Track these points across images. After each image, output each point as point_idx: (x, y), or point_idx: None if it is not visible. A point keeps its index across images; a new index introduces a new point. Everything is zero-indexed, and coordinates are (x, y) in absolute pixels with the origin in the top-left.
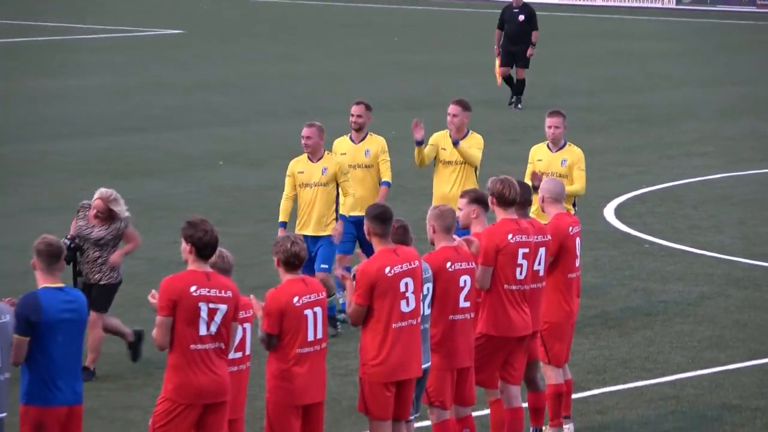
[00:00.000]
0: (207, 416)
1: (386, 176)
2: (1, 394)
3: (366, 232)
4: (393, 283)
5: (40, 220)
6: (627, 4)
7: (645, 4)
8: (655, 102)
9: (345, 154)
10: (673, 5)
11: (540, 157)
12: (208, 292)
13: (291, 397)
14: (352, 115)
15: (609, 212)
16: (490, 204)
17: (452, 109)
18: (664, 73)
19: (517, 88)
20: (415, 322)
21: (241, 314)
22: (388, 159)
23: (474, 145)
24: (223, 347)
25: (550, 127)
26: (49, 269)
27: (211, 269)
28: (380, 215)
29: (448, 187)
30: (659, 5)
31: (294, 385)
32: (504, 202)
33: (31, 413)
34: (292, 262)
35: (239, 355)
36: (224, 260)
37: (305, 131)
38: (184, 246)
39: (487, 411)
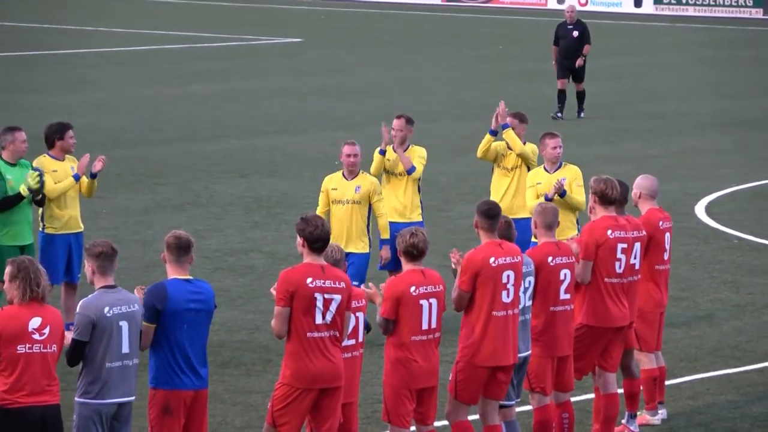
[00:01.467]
0: (322, 400)
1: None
2: (131, 378)
3: (474, 224)
4: (496, 274)
5: (169, 217)
6: (717, 14)
7: (734, 15)
8: (743, 106)
9: (390, 161)
10: (760, 15)
11: (539, 180)
12: (323, 283)
13: (406, 381)
14: (393, 129)
15: (700, 209)
16: (591, 202)
17: (510, 121)
18: (751, 78)
19: (579, 99)
20: (512, 313)
21: (354, 304)
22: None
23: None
24: (338, 335)
25: (555, 147)
26: (178, 262)
27: (325, 262)
28: (488, 211)
29: (500, 196)
30: (747, 15)
31: (409, 370)
32: (606, 200)
33: (158, 396)
34: (410, 252)
35: (352, 342)
36: (327, 254)
37: (351, 149)
38: (298, 240)
39: (583, 397)
